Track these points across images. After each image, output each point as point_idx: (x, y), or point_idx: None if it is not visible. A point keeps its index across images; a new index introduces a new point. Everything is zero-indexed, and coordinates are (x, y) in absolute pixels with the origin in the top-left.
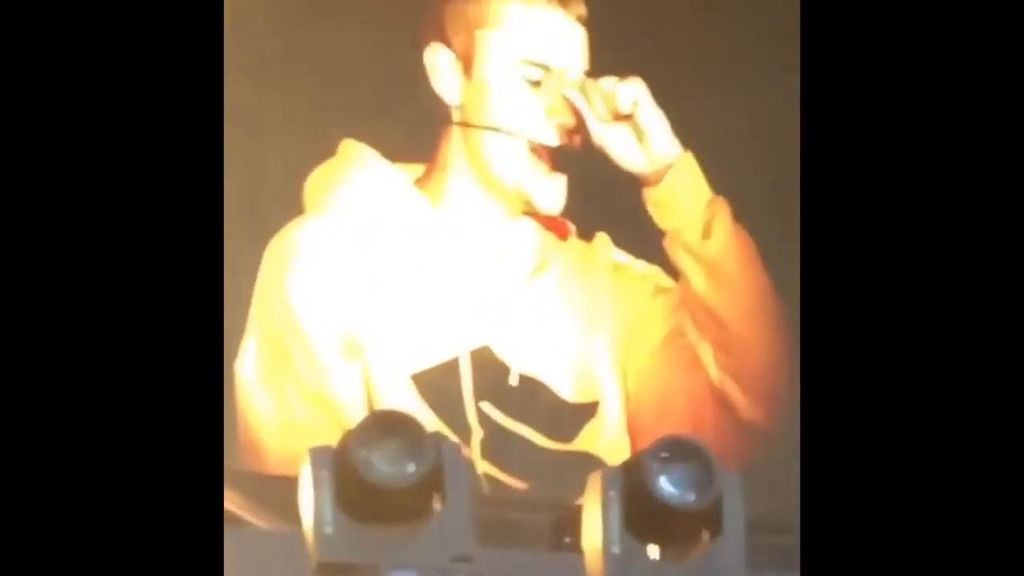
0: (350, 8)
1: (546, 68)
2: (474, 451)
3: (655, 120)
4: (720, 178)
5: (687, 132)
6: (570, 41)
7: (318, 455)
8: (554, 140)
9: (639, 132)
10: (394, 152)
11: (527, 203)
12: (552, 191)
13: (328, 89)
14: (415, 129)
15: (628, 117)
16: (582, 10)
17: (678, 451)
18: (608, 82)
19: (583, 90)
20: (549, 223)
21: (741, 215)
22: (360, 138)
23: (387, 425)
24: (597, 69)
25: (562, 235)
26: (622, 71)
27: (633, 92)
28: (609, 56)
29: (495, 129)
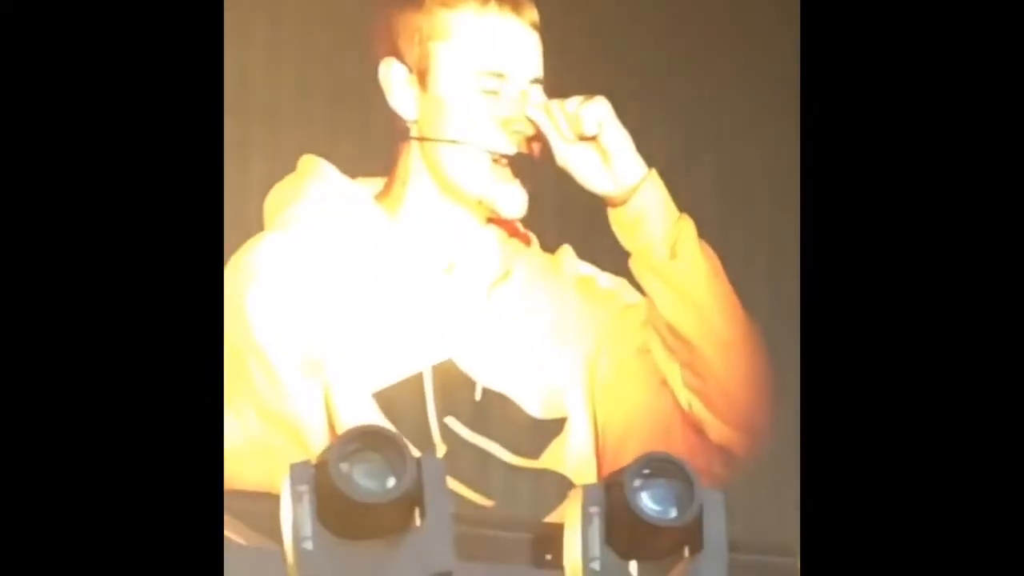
0: (306, 22)
1: (501, 76)
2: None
3: (620, 140)
4: (684, 194)
5: (652, 148)
6: (524, 48)
7: (298, 470)
8: (512, 149)
9: (604, 153)
10: (353, 167)
11: (490, 210)
12: (514, 197)
13: (286, 105)
14: (373, 144)
15: (592, 138)
16: (535, 16)
17: (659, 468)
18: (572, 103)
19: (547, 111)
20: (512, 230)
21: (706, 234)
22: (318, 153)
23: (368, 440)
24: (558, 86)
25: (525, 242)
26: (584, 88)
27: (597, 113)
28: (570, 73)
29: (453, 142)
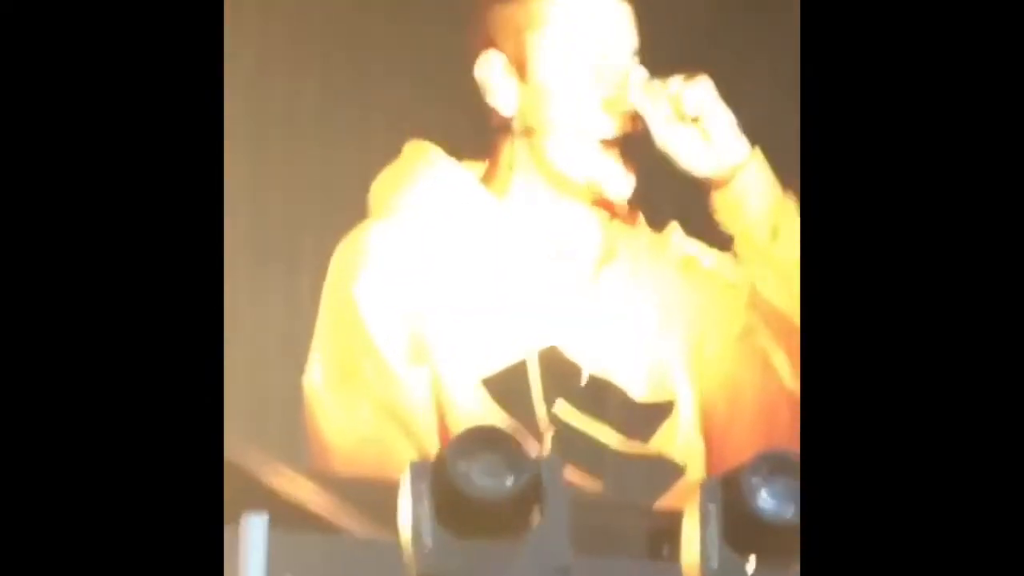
0: (405, 11)
1: (600, 56)
2: (546, 453)
3: (723, 121)
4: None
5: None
6: (619, 22)
7: (417, 469)
8: (617, 130)
9: (705, 134)
10: (456, 151)
11: (596, 193)
12: (621, 180)
13: (386, 93)
14: (475, 128)
15: (694, 119)
16: None
17: (778, 465)
18: (674, 83)
19: (648, 92)
20: (617, 211)
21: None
22: (421, 138)
23: (485, 439)
24: (657, 65)
25: (631, 222)
26: (684, 67)
27: (699, 94)
28: (670, 51)
29: (556, 131)
